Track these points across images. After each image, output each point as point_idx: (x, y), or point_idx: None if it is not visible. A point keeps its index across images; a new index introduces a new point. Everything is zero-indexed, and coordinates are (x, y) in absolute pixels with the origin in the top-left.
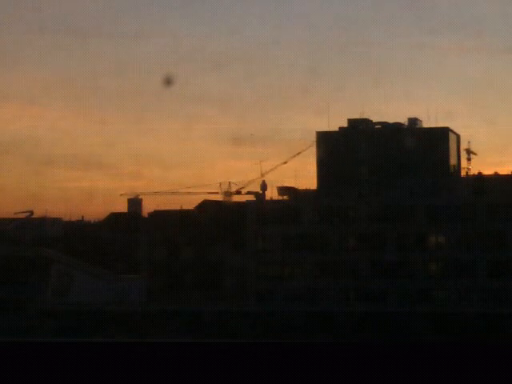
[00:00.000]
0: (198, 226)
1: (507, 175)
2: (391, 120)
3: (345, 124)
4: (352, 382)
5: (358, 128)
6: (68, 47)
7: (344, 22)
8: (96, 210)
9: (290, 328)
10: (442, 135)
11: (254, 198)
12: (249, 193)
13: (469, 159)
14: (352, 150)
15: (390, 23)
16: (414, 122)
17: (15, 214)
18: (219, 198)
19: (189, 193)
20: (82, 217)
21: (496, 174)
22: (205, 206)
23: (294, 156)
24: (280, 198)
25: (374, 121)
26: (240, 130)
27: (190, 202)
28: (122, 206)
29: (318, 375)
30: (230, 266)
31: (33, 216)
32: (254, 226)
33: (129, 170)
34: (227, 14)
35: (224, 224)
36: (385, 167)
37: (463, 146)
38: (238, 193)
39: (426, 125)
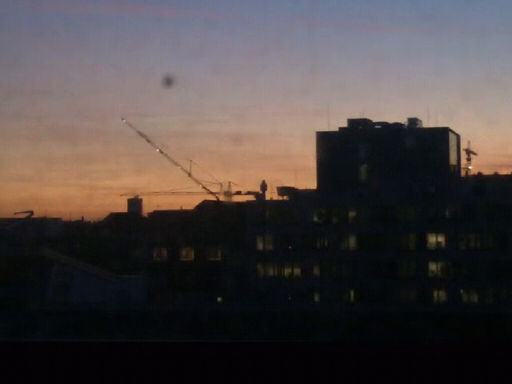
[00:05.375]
0: (197, 226)
1: (507, 175)
2: (391, 120)
3: (345, 124)
4: (352, 382)
5: (358, 128)
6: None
7: (343, 21)
8: (96, 210)
9: (290, 328)
10: (442, 135)
11: (254, 198)
12: (249, 193)
13: (469, 159)
14: (352, 150)
15: (391, 23)
16: (414, 122)
17: (15, 214)
18: (220, 198)
19: (189, 193)
20: (82, 217)
21: (496, 174)
22: (205, 206)
23: None
24: (280, 198)
25: (373, 121)
26: (240, 130)
27: (190, 202)
28: (121, 206)
29: (318, 375)
30: (230, 266)
31: (33, 216)
32: (254, 226)
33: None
34: (228, 13)
35: (224, 224)
36: (385, 167)
37: (463, 146)
38: (238, 193)
39: (426, 125)
